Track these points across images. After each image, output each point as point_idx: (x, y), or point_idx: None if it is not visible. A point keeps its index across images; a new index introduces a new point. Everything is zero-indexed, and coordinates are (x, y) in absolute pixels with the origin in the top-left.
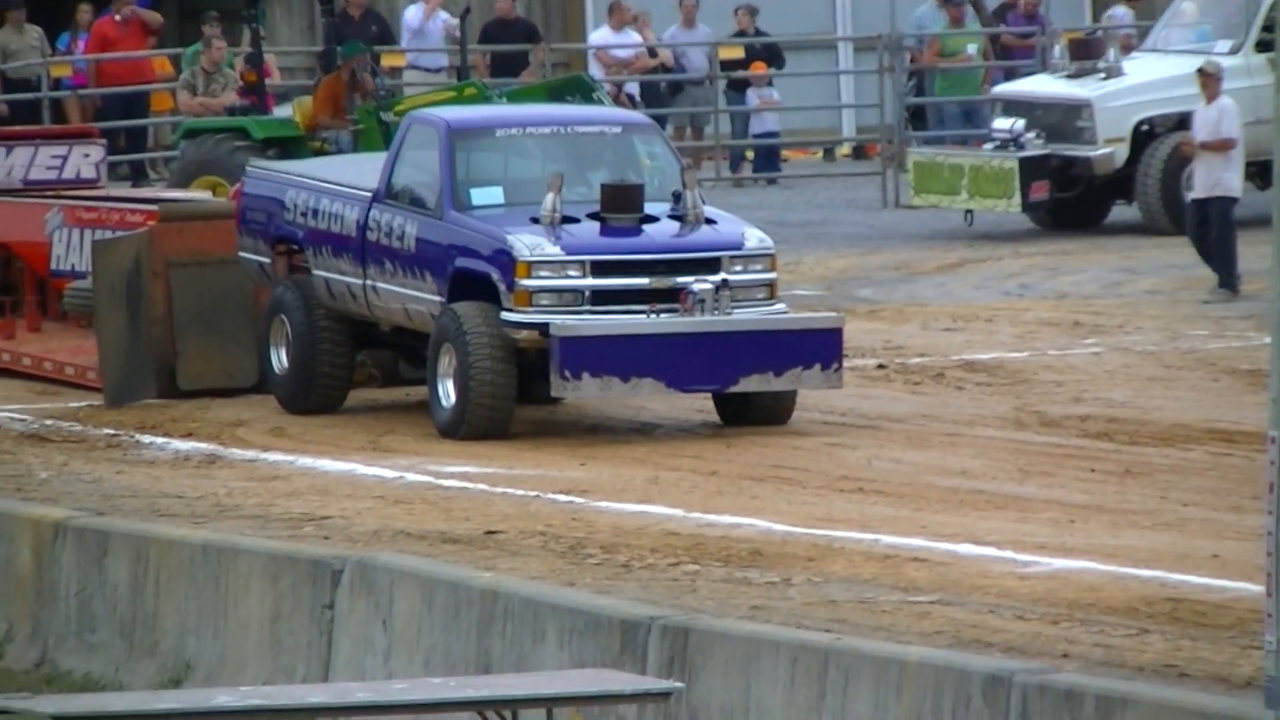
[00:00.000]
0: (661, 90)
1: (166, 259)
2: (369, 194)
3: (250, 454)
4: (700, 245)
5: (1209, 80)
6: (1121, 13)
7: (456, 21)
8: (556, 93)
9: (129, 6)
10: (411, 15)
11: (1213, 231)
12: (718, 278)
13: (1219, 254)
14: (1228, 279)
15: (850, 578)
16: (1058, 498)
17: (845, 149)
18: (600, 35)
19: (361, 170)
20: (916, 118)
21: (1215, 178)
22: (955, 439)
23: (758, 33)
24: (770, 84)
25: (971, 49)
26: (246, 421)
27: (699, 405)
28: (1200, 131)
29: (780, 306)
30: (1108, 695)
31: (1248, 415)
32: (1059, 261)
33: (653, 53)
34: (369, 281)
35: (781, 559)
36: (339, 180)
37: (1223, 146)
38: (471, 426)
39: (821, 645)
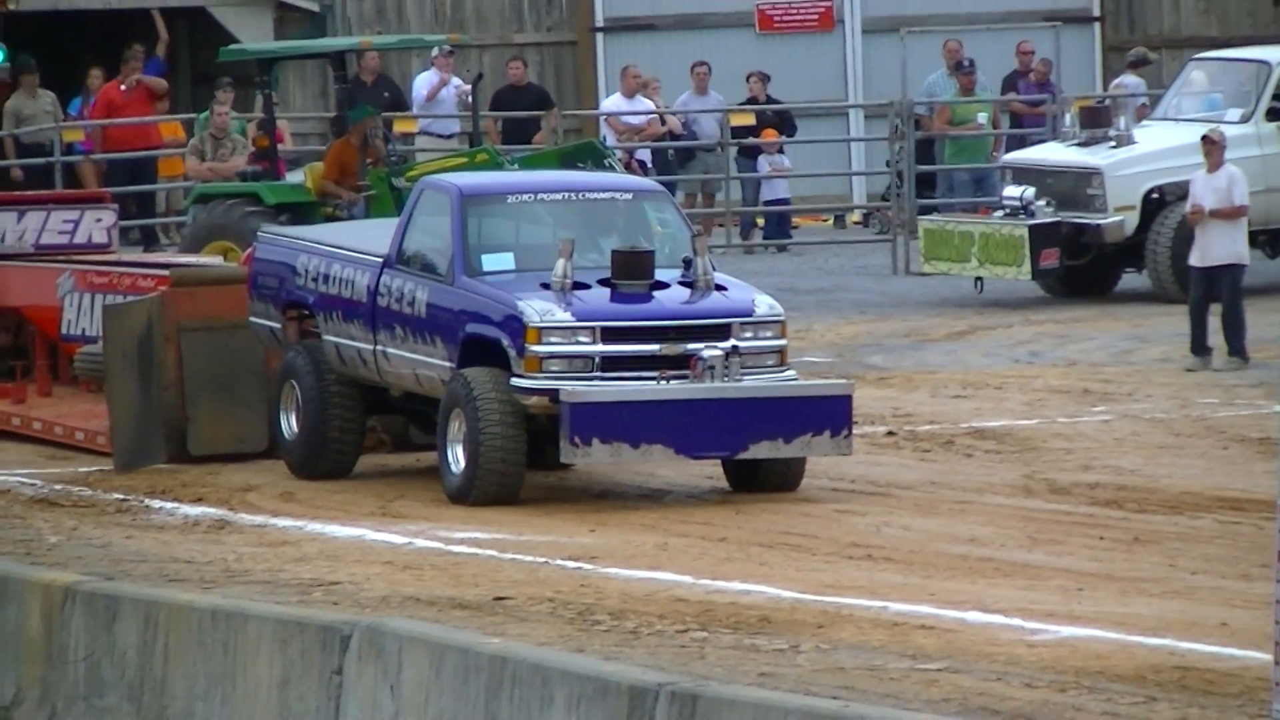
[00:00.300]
0: (670, 158)
1: (178, 324)
2: (380, 259)
3: (260, 519)
4: (711, 312)
5: (1214, 148)
6: (1133, 81)
7: (468, 88)
8: (568, 159)
9: (134, 75)
10: (421, 85)
11: (1224, 300)
12: (728, 344)
13: (1232, 323)
14: (1239, 346)
15: (859, 645)
16: (1066, 565)
17: (855, 216)
18: (612, 102)
19: (373, 236)
20: (925, 184)
21: (1228, 246)
22: (964, 506)
23: (769, 100)
24: (781, 151)
25: (982, 117)
26: (256, 487)
27: (708, 472)
28: (1207, 199)
29: (790, 373)
30: None
31: (1257, 483)
32: (1069, 329)
33: (662, 120)
34: (379, 347)
35: (790, 626)
36: (350, 246)
37: (1236, 214)
38: (481, 492)
39: (830, 712)
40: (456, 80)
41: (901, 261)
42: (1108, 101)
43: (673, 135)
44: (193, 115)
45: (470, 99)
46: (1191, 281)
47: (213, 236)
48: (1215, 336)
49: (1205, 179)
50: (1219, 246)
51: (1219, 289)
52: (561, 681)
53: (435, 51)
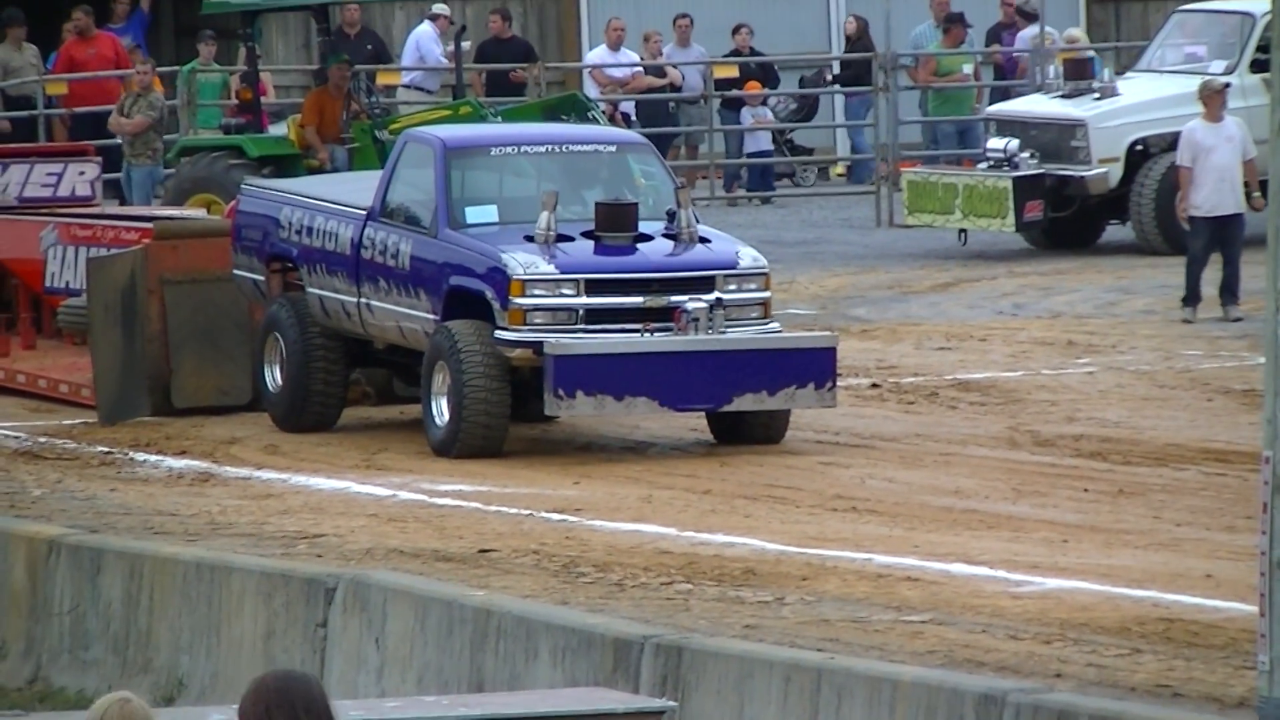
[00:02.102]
0: (671, 110)
1: (161, 276)
2: (364, 212)
3: (244, 472)
4: (695, 264)
5: (1215, 97)
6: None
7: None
8: (552, 111)
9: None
10: (428, 43)
11: (1232, 249)
12: (712, 297)
13: (1236, 271)
14: (1237, 294)
15: (843, 597)
16: (1051, 517)
17: (839, 168)
18: (597, 54)
19: (356, 188)
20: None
21: (1237, 195)
22: (949, 458)
23: (753, 52)
24: (765, 103)
25: (967, 69)
26: (240, 439)
27: (693, 424)
28: (1220, 149)
29: (774, 326)
30: (1101, 715)
31: (1242, 435)
32: (1053, 281)
33: (661, 72)
34: (363, 299)
35: (775, 578)
36: (334, 198)
37: (1253, 165)
38: (465, 445)
39: (814, 664)
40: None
41: (885, 213)
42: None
43: (672, 87)
44: (176, 68)
45: (454, 50)
46: (1194, 232)
47: (196, 189)
48: (1207, 288)
49: (1210, 128)
50: (1231, 197)
51: (1224, 238)
52: (546, 634)
53: (439, 9)
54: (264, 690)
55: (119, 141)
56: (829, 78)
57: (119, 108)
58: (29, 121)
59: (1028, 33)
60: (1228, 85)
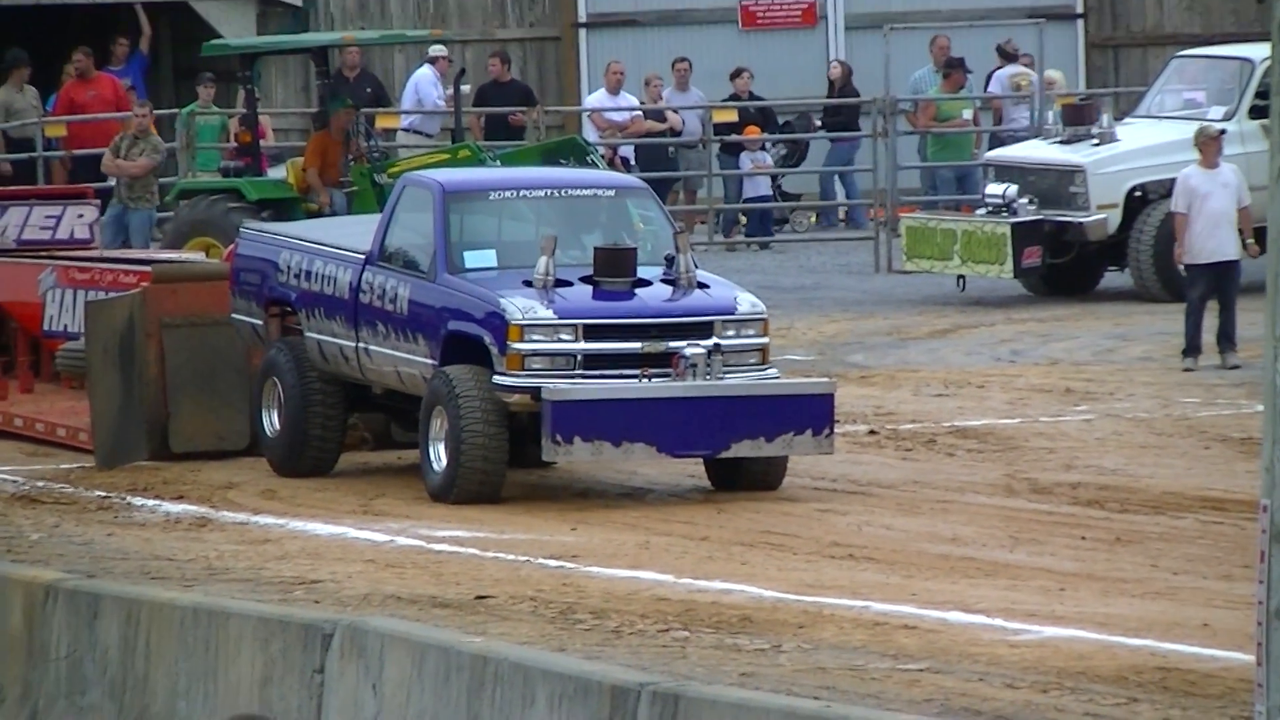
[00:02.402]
0: (671, 154)
1: (160, 320)
2: (362, 256)
3: (241, 516)
4: (693, 310)
5: (1211, 144)
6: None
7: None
8: (551, 155)
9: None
10: (427, 87)
11: (1228, 296)
12: (710, 342)
13: (1232, 318)
14: (1234, 341)
15: (840, 645)
16: (1048, 565)
17: (811, 217)
18: (596, 98)
19: (355, 232)
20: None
21: (1234, 242)
22: (946, 505)
23: (752, 96)
24: (764, 148)
25: (967, 114)
26: (238, 484)
27: (690, 470)
28: (1216, 195)
29: (772, 371)
30: None
31: (1239, 483)
32: (1051, 327)
33: (661, 116)
34: (361, 344)
35: (772, 625)
36: (332, 242)
37: (1248, 213)
38: (463, 490)
39: (811, 712)
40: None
41: (884, 259)
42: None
43: (673, 132)
44: (175, 110)
45: (453, 94)
46: (1192, 280)
47: (195, 232)
48: (1206, 335)
49: (1206, 175)
50: (1229, 243)
51: (1221, 285)
52: (543, 681)
53: (437, 51)
54: None
55: (111, 184)
56: (817, 123)
57: (114, 150)
58: (29, 163)
59: (1005, 73)
60: (1223, 132)
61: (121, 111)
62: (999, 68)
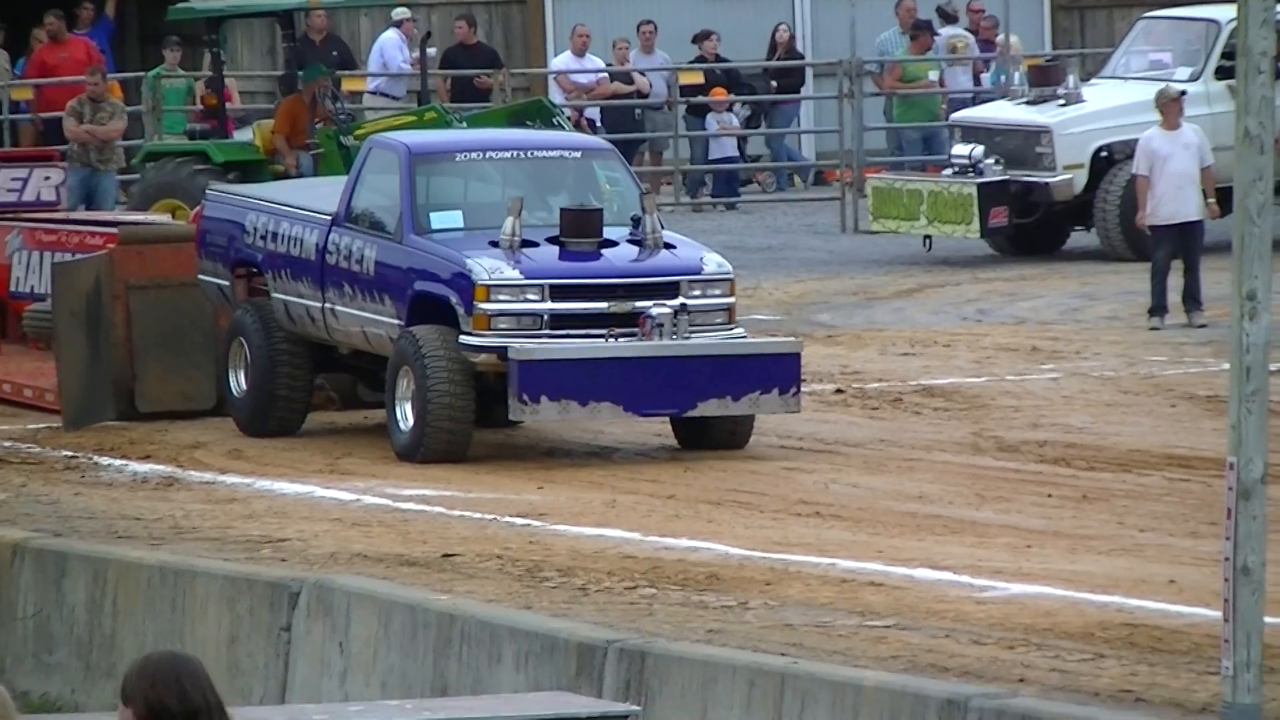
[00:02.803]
0: (637, 116)
1: (126, 282)
2: (329, 218)
3: (208, 476)
4: (659, 270)
5: (1172, 105)
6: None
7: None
8: (517, 117)
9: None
10: (392, 50)
11: (1193, 255)
12: (676, 302)
13: (1198, 276)
14: (1200, 299)
15: (807, 602)
16: (1015, 523)
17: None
18: (562, 60)
19: (321, 194)
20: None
21: (1197, 202)
22: (912, 464)
23: (718, 58)
24: (730, 109)
25: (934, 75)
26: (205, 444)
27: (657, 429)
28: (1177, 157)
29: (739, 331)
30: None
31: (1205, 441)
32: (1017, 287)
33: (627, 78)
34: (328, 305)
35: (738, 583)
36: (299, 204)
37: (1210, 173)
38: (430, 449)
39: (778, 669)
40: (400, 54)
41: (850, 220)
42: (1058, 59)
43: (640, 94)
44: (141, 74)
45: (419, 57)
46: (1157, 240)
47: (161, 194)
48: (1172, 295)
49: (1167, 136)
50: (1191, 204)
51: (1186, 245)
52: (510, 638)
53: (401, 14)
54: (148, 664)
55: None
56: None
57: (75, 116)
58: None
59: (945, 33)
60: (1183, 93)
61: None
62: (975, 33)
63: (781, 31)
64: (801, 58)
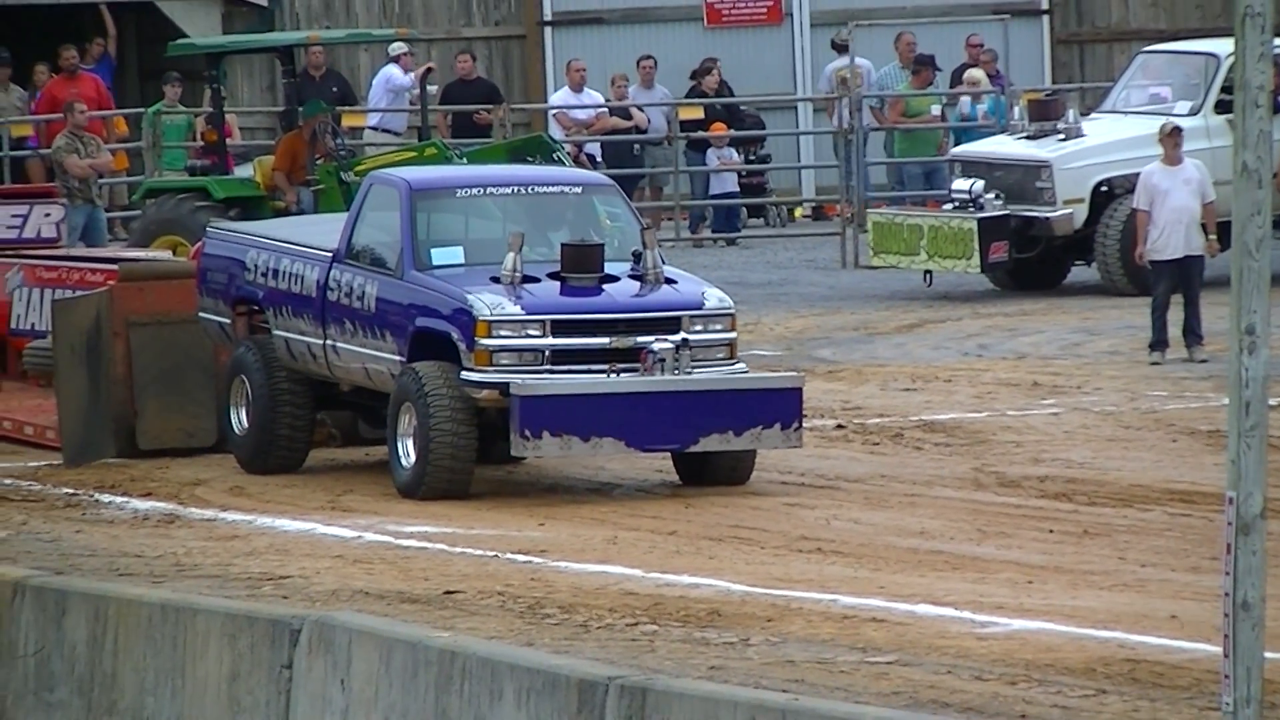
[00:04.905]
0: (637, 152)
1: (127, 318)
2: (329, 254)
3: (209, 513)
4: (660, 305)
5: (1170, 139)
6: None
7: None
8: (517, 153)
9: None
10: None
11: (1193, 291)
12: (678, 337)
13: (1198, 312)
14: (1201, 335)
15: (808, 638)
16: (1016, 558)
17: (801, 210)
18: (560, 96)
19: (322, 231)
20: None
21: (1197, 238)
22: (914, 499)
23: (718, 93)
24: (730, 144)
25: (935, 110)
26: (206, 481)
27: (658, 465)
28: (1177, 192)
29: (740, 366)
30: None
31: (1206, 476)
32: (1018, 322)
33: (627, 113)
34: (329, 341)
35: (740, 619)
36: (299, 241)
37: (1211, 208)
38: (431, 486)
39: (779, 705)
40: (407, 78)
41: (850, 255)
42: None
43: (639, 129)
44: (141, 110)
45: (419, 92)
46: (1156, 275)
47: (162, 231)
48: (1172, 329)
49: (1168, 171)
50: (1194, 238)
51: (1185, 280)
52: (511, 675)
53: (398, 49)
54: None
55: (108, 182)
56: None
57: (73, 150)
58: (9, 162)
59: (834, 65)
60: (1178, 129)
61: (104, 110)
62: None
63: (709, 78)
64: (733, 94)
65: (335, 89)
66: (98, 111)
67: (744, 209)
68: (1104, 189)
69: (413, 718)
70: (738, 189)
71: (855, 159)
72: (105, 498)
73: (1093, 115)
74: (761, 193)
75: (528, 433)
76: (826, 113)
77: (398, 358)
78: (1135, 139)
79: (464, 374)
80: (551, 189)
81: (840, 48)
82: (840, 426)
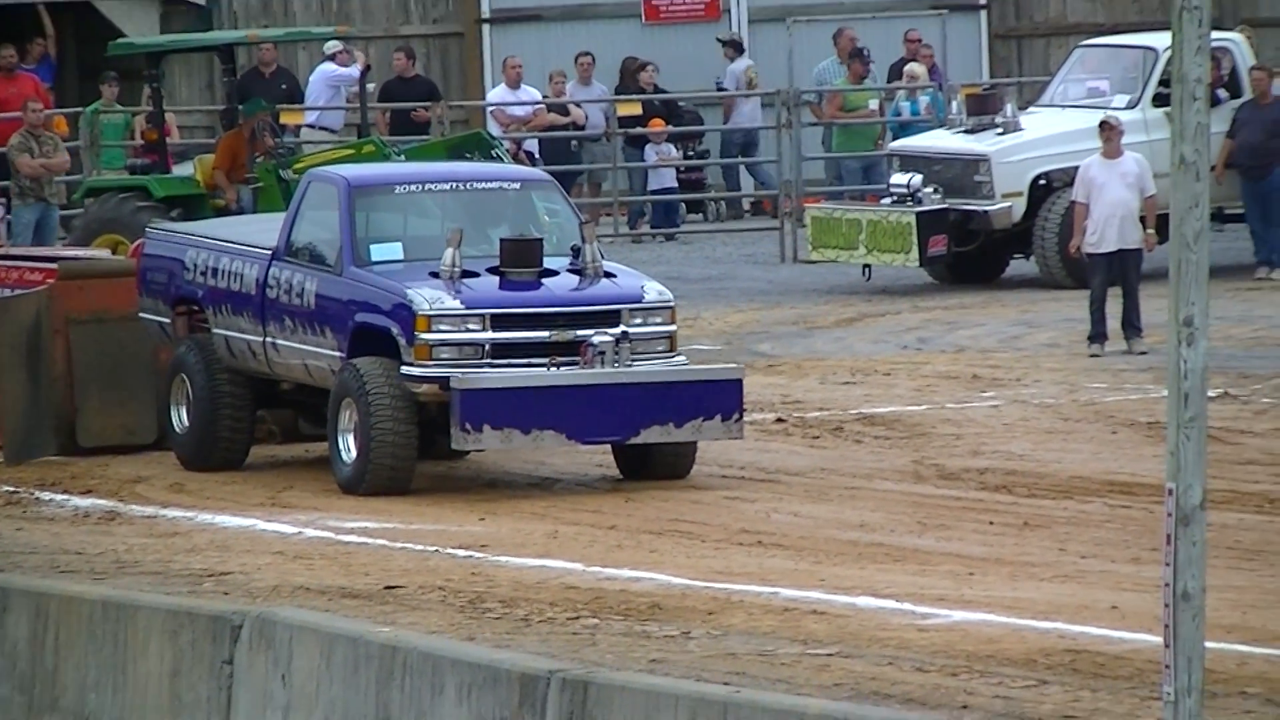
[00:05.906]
0: (575, 148)
1: (67, 316)
2: (269, 252)
3: (150, 510)
4: (600, 298)
5: (1113, 134)
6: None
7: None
8: (456, 150)
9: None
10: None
11: (1131, 283)
12: (618, 330)
13: (1136, 304)
14: (1140, 327)
15: (749, 630)
16: (956, 550)
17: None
18: (497, 93)
19: (261, 229)
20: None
21: (1135, 231)
22: (854, 492)
23: (656, 89)
24: (668, 140)
25: (873, 104)
26: (146, 478)
27: (599, 460)
28: (1114, 185)
29: (680, 359)
30: None
31: (1146, 467)
32: (957, 315)
33: (565, 110)
34: (269, 339)
35: (681, 612)
36: (239, 239)
37: (1153, 202)
38: (373, 482)
39: (721, 698)
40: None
41: (789, 249)
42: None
43: (576, 126)
44: (79, 109)
45: (359, 90)
46: (1093, 268)
47: (103, 229)
48: (1111, 321)
49: (1106, 165)
50: (1131, 231)
51: (1123, 273)
52: (452, 670)
53: (333, 47)
54: None
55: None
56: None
57: (25, 150)
58: None
59: (737, 67)
60: (1117, 122)
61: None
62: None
63: (644, 74)
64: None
65: (284, 86)
66: (15, 113)
67: (683, 205)
68: (1042, 183)
69: (354, 713)
70: (676, 185)
71: (793, 154)
72: (46, 495)
73: (1031, 109)
74: (700, 188)
75: (468, 426)
76: (724, 111)
77: (338, 354)
78: (1073, 133)
79: (404, 369)
80: (490, 185)
81: (734, 45)
82: (780, 420)
